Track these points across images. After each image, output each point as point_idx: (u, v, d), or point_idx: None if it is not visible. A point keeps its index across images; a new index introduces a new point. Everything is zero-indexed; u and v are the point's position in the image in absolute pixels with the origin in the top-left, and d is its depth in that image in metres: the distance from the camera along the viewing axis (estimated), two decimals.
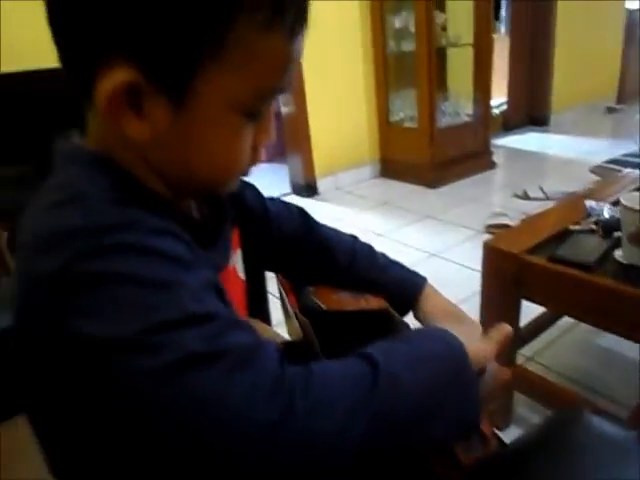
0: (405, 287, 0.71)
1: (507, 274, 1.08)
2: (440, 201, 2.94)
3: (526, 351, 1.47)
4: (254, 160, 0.49)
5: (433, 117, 3.04)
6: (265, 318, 0.88)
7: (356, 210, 2.93)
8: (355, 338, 0.53)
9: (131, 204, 0.40)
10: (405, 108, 3.25)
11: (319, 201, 3.16)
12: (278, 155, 3.83)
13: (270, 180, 3.64)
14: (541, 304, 1.08)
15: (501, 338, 0.52)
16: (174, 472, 0.35)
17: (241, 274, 0.64)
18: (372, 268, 0.72)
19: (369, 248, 0.75)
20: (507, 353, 0.59)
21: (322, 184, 3.26)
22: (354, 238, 0.76)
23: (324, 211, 2.98)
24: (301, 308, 0.68)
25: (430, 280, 0.72)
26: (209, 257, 0.49)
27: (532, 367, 1.44)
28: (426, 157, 3.10)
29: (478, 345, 0.49)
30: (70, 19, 0.39)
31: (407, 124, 3.25)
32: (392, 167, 3.38)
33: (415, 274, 0.73)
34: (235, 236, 0.63)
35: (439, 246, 2.29)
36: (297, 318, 0.67)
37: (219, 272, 0.53)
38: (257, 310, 0.74)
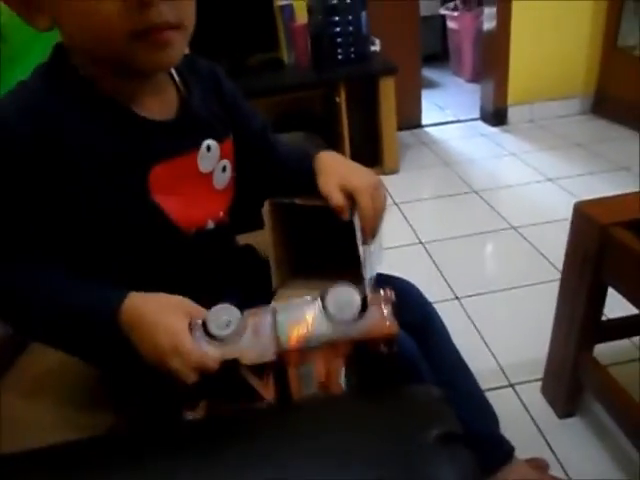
0: (304, 159, 0.73)
1: (588, 249, 0.92)
2: None
3: (616, 351, 1.19)
4: (143, 19, 0.49)
5: None
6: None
7: (540, 147, 2.61)
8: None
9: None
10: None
11: (504, 132, 2.89)
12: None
13: (462, 102, 3.44)
14: (623, 294, 0.90)
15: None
16: None
17: (218, 185, 0.70)
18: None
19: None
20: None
21: (514, 113, 2.94)
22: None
23: (503, 143, 2.74)
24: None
25: None
26: (145, 142, 0.59)
27: (618, 373, 1.03)
28: None
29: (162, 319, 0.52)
30: None
31: (638, 52, 2.66)
32: (607, 104, 2.85)
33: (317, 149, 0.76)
34: (226, 147, 0.71)
35: None
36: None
37: (159, 160, 0.60)
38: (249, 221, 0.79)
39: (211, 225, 0.68)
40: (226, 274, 0.74)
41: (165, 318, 0.52)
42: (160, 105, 0.62)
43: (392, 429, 0.42)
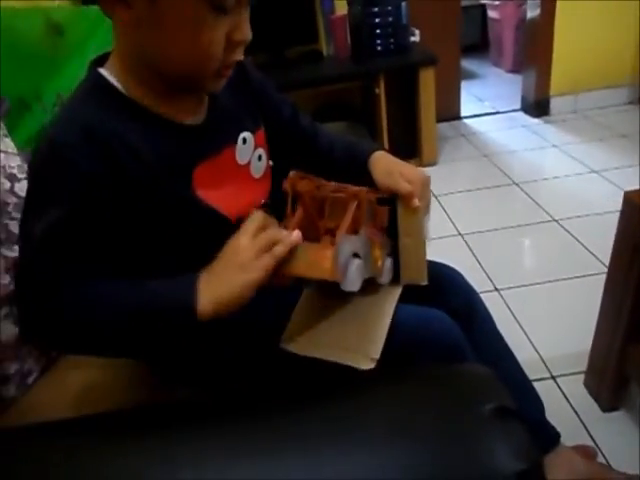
0: (357, 154, 0.77)
1: (639, 237, 0.90)
2: None
3: None
4: (230, 57, 0.58)
5: None
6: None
7: (583, 139, 2.55)
8: None
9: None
10: None
11: (546, 123, 2.82)
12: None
13: (502, 93, 3.38)
14: None
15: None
16: None
17: (256, 173, 0.72)
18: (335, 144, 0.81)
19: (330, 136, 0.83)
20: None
21: (557, 104, 2.87)
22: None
23: (544, 134, 2.68)
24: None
25: None
26: (186, 147, 0.62)
27: None
28: None
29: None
30: None
31: None
32: None
33: (368, 143, 0.81)
34: (259, 136, 0.73)
35: None
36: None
37: (201, 160, 0.63)
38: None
39: None
40: None
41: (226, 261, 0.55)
42: (193, 108, 0.65)
43: (447, 403, 0.43)
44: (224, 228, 0.64)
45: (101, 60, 0.61)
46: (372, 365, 0.55)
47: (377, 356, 0.56)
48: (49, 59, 1.15)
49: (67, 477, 0.46)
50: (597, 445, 1.04)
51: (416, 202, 0.66)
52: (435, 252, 0.82)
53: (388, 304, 0.67)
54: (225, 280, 0.53)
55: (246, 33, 0.57)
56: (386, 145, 2.34)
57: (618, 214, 0.96)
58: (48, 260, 0.54)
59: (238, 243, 0.54)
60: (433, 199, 2.09)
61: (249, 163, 0.71)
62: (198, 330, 0.53)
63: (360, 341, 0.60)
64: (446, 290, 0.81)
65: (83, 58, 1.20)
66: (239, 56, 0.59)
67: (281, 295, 0.63)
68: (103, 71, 0.60)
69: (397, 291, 0.70)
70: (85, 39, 1.16)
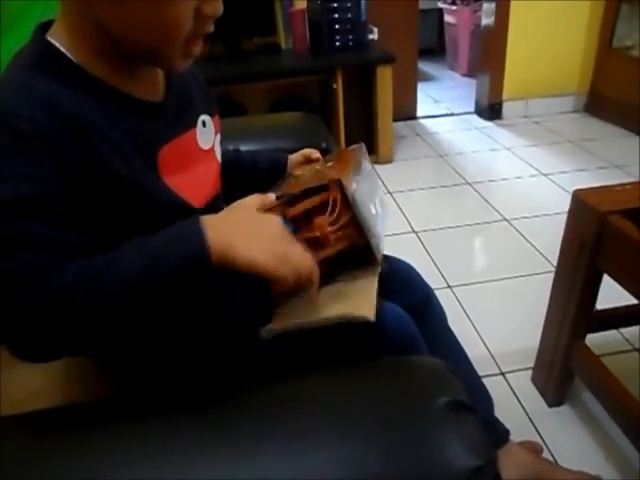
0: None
1: (586, 236, 0.93)
2: None
3: (603, 343, 1.15)
4: (199, 31, 0.53)
5: None
6: None
7: (533, 142, 2.63)
8: None
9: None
10: (636, 32, 2.65)
11: (498, 126, 2.90)
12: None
13: (457, 96, 3.45)
14: (619, 282, 0.90)
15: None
16: None
17: (218, 156, 0.70)
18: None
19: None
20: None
21: (509, 109, 2.95)
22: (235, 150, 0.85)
23: (497, 137, 2.75)
24: None
25: None
26: (147, 126, 0.57)
27: (610, 363, 1.02)
28: None
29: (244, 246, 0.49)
30: None
31: (634, 53, 2.67)
32: (600, 103, 2.88)
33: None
34: (216, 122, 0.70)
35: None
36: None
37: (164, 141, 0.58)
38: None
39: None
40: None
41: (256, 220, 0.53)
42: (151, 86, 0.60)
43: (401, 396, 0.41)
44: (189, 215, 0.61)
45: (44, 28, 0.54)
46: (373, 318, 0.51)
47: (373, 313, 0.53)
48: None
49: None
50: (543, 438, 1.07)
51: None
52: (390, 249, 0.82)
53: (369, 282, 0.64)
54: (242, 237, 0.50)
55: (217, 6, 0.52)
56: (342, 141, 2.33)
57: (565, 215, 0.98)
58: (21, 246, 0.45)
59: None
60: (388, 196, 2.10)
61: (212, 148, 0.67)
62: (210, 277, 0.48)
63: (350, 302, 0.57)
64: (402, 286, 0.80)
65: (20, 33, 1.13)
66: (209, 29, 0.54)
67: (252, 288, 0.61)
68: (50, 39, 0.52)
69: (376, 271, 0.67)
70: (22, 13, 1.08)
